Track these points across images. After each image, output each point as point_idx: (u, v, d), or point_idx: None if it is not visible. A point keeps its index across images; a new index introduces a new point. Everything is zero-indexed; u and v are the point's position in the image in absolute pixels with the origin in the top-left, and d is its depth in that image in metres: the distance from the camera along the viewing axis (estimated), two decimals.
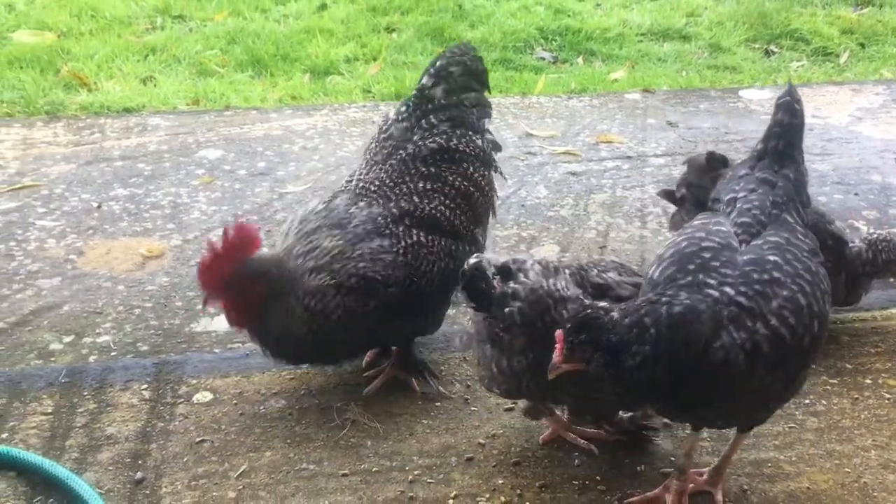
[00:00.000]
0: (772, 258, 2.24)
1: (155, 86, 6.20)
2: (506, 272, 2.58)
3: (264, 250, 2.97)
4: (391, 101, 6.16)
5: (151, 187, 4.79)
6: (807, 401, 3.07)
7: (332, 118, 5.77)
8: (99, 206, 4.57)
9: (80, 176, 4.86)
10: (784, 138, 2.52)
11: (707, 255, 2.27)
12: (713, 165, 3.39)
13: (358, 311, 2.83)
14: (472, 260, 2.60)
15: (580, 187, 4.91)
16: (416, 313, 3.00)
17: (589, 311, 2.21)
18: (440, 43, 7.27)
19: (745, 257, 2.26)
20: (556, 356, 2.23)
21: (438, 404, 3.04)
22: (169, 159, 5.12)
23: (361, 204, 2.99)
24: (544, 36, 7.41)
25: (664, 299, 2.17)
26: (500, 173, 3.44)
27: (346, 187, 3.13)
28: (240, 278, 2.74)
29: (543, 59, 7.15)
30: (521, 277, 2.55)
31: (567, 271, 2.60)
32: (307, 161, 5.20)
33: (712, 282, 2.19)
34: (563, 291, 2.52)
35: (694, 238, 2.35)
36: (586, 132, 5.61)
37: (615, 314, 2.18)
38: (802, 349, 2.23)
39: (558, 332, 2.22)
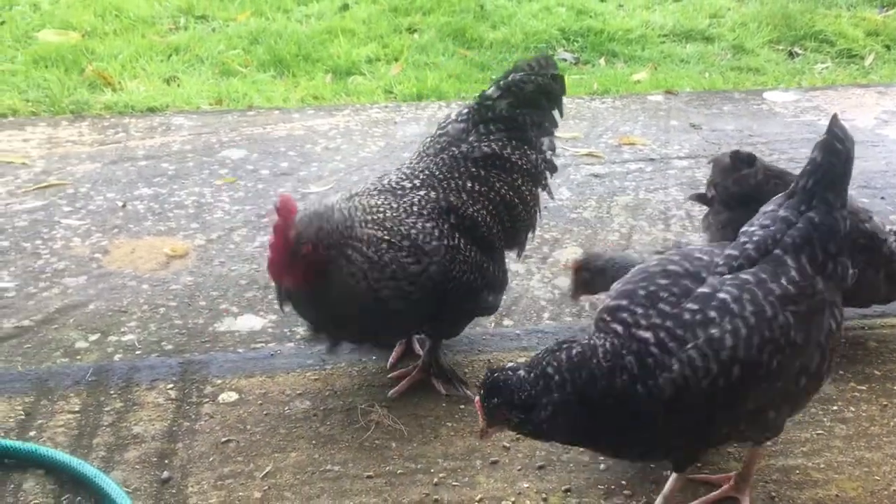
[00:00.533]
0: (722, 295, 2.18)
1: (178, 85, 6.23)
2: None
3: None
4: (413, 102, 6.18)
5: (175, 187, 4.81)
6: (835, 407, 3.04)
7: (354, 118, 5.78)
8: (124, 206, 4.59)
9: (104, 175, 4.89)
10: (815, 177, 2.35)
11: (664, 281, 2.25)
12: (737, 165, 3.37)
13: (410, 270, 2.80)
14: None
15: (603, 189, 4.89)
16: (435, 313, 2.98)
17: (496, 374, 2.23)
18: (462, 44, 7.27)
19: (699, 290, 2.21)
20: (480, 422, 2.28)
21: (463, 407, 3.03)
22: (192, 159, 5.14)
23: (417, 182, 3.00)
24: (566, 37, 7.39)
25: (564, 346, 2.21)
26: (549, 193, 3.45)
27: (395, 171, 3.14)
28: (296, 245, 2.69)
29: (565, 60, 7.12)
30: None
31: None
32: (329, 161, 5.21)
33: (639, 320, 2.20)
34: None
35: (665, 261, 2.35)
36: (609, 134, 5.58)
37: (521, 371, 2.21)
38: (726, 389, 2.15)
39: (476, 399, 2.26)
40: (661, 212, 4.62)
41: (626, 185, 4.94)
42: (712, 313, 2.14)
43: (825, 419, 2.98)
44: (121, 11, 7.36)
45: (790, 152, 5.23)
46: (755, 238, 2.32)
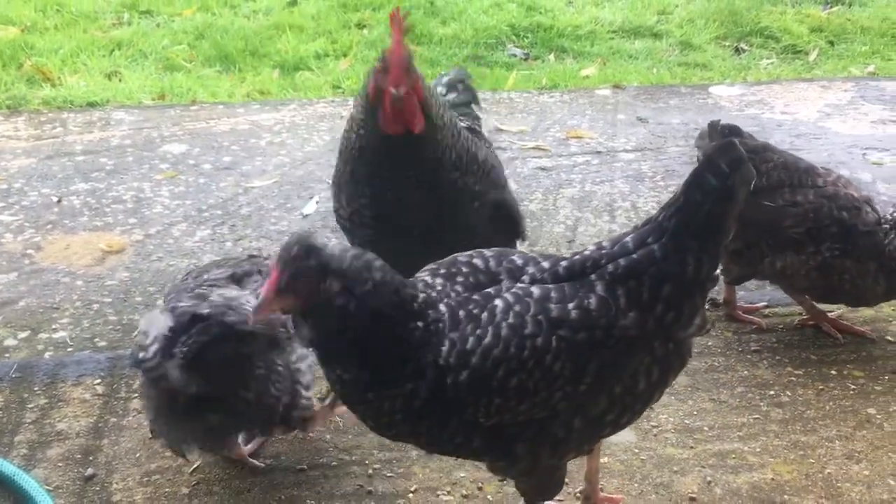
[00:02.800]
0: (497, 301, 1.99)
1: (120, 80, 6.11)
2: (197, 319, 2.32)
3: None
4: None
5: (113, 182, 4.70)
6: (771, 392, 3.05)
7: (300, 113, 5.70)
8: (59, 201, 4.47)
9: (40, 170, 4.76)
10: (674, 213, 2.06)
11: (465, 269, 2.09)
12: (713, 136, 3.32)
13: None
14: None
15: (549, 182, 4.88)
16: None
17: (306, 237, 1.95)
18: (411, 39, 7.21)
19: (487, 290, 2.05)
20: (267, 292, 1.91)
21: None
22: (132, 154, 5.03)
23: None
24: (516, 33, 7.39)
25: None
26: None
27: None
28: None
29: (515, 55, 7.12)
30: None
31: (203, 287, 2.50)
32: (274, 156, 5.13)
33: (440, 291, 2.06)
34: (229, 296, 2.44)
35: (478, 254, 2.16)
36: (556, 127, 5.58)
37: (347, 251, 1.96)
38: (456, 390, 1.96)
39: (272, 262, 1.94)
40: (606, 204, 4.62)
41: (572, 178, 4.93)
42: (484, 315, 1.98)
43: (762, 404, 2.99)
44: (62, 6, 7.20)
45: None
46: (577, 257, 2.10)
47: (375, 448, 2.75)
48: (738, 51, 7.17)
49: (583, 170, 5.02)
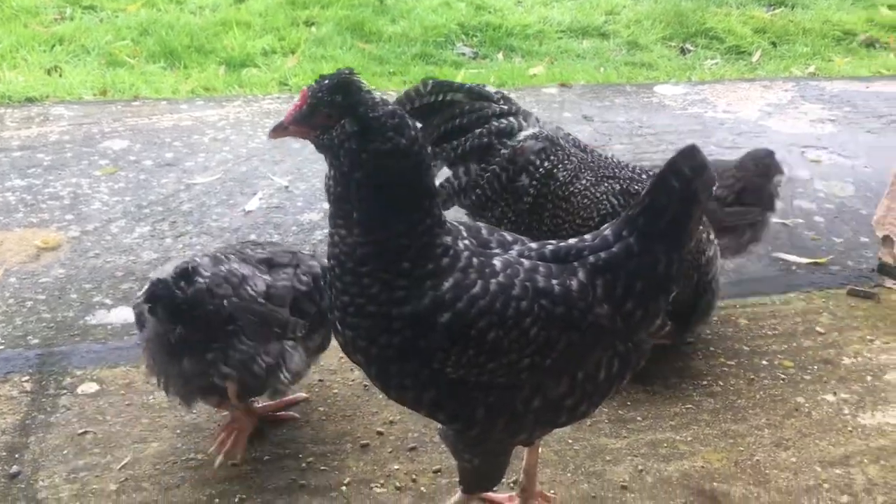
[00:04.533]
0: (496, 261, 2.01)
1: (61, 76, 5.99)
2: (185, 275, 2.47)
3: None
4: None
5: (51, 178, 4.61)
6: (704, 382, 3.09)
7: (245, 109, 5.65)
8: None
9: None
10: (642, 211, 2.08)
11: (470, 231, 2.10)
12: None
13: None
14: (151, 284, 2.47)
15: None
16: None
17: (349, 74, 1.91)
18: (360, 37, 7.21)
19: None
20: (288, 114, 1.92)
21: (336, 391, 2.96)
22: (71, 149, 4.93)
23: None
24: (465, 32, 7.41)
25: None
26: None
27: None
28: None
29: (464, 54, 7.14)
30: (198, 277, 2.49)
31: (232, 255, 2.65)
32: (217, 152, 5.07)
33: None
34: (241, 272, 2.56)
35: (472, 222, 2.21)
36: None
37: (388, 104, 1.93)
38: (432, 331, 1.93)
39: (304, 89, 1.93)
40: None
41: None
42: (486, 270, 1.98)
43: (694, 394, 3.03)
44: (3, 0, 7.04)
45: (677, 143, 5.30)
46: (562, 244, 2.13)
47: (310, 442, 2.73)
48: (683, 51, 7.28)
49: None
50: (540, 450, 2.70)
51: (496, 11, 7.71)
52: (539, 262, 2.07)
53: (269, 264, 2.67)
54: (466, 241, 2.05)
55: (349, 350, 2.07)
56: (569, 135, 3.18)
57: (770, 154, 3.43)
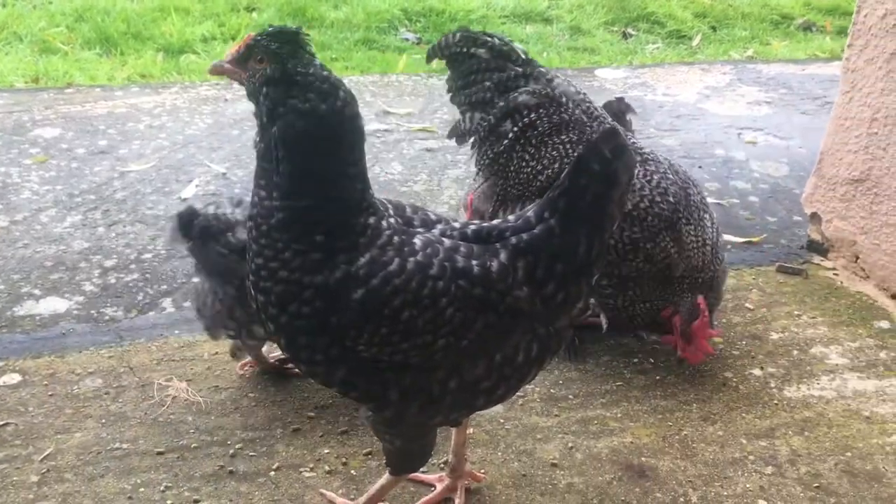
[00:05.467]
0: (416, 240, 2.00)
1: None
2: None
3: None
4: None
5: None
6: (635, 360, 3.12)
7: (182, 96, 5.56)
8: None
9: None
10: (563, 197, 2.07)
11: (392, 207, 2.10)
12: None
13: None
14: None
15: (435, 163, 4.89)
16: None
17: (293, 28, 1.91)
18: (302, 22, 7.13)
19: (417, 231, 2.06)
20: (228, 53, 1.95)
21: (267, 377, 2.93)
22: (0, 138, 4.80)
23: None
24: (409, 17, 7.39)
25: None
26: None
27: None
28: None
29: (407, 39, 7.11)
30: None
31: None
32: (153, 139, 4.98)
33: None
34: (232, 217, 2.63)
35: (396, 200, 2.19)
36: (444, 109, 5.58)
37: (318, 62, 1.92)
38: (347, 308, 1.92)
39: (249, 33, 1.94)
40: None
41: (458, 159, 4.94)
42: (405, 248, 1.97)
43: (626, 371, 3.06)
44: None
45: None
46: (485, 224, 2.12)
47: (239, 428, 2.70)
48: (625, 35, 7.34)
49: (469, 150, 5.02)
50: (471, 430, 2.72)
51: None
52: (460, 243, 2.06)
53: None
54: (392, 220, 2.03)
55: (261, 317, 2.03)
56: (585, 100, 3.24)
57: (620, 100, 3.47)
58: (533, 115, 3.15)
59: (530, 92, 3.19)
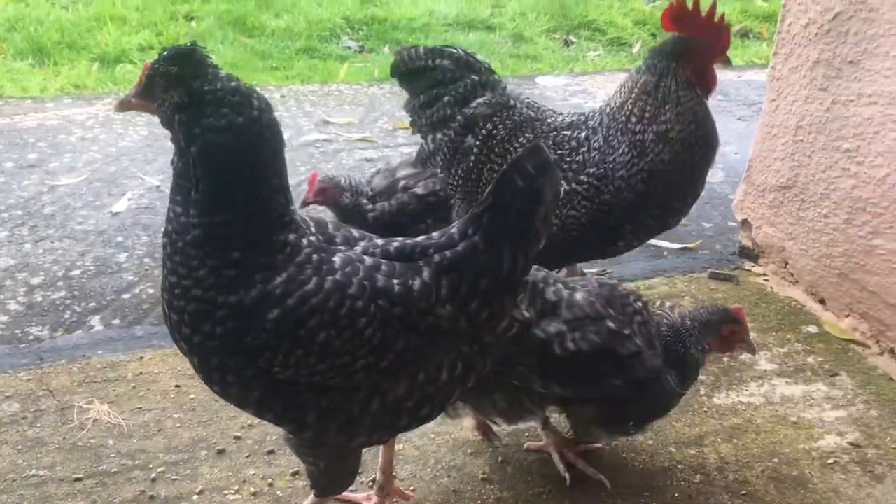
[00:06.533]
0: (336, 257, 1.95)
1: None
2: None
3: None
4: None
5: None
6: None
7: None
8: None
9: None
10: (488, 213, 2.04)
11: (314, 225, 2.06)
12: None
13: None
14: None
15: None
16: None
17: (193, 47, 1.85)
18: (242, 31, 7.06)
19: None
20: (133, 87, 1.89)
21: (192, 397, 2.87)
22: None
23: None
24: (351, 25, 7.35)
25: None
26: None
27: None
28: None
29: (350, 48, 7.07)
30: None
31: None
32: (85, 152, 4.87)
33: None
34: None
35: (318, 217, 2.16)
36: (384, 119, 5.56)
37: (233, 81, 1.87)
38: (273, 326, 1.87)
39: (147, 62, 1.88)
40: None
41: None
42: (323, 266, 1.93)
43: None
44: None
45: None
46: (408, 241, 2.09)
47: (161, 451, 2.63)
48: (567, 43, 7.39)
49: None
50: (401, 445, 2.69)
51: (382, 4, 7.68)
52: (382, 261, 2.02)
53: (553, 309, 2.43)
54: (312, 238, 1.99)
55: (175, 336, 1.98)
56: (531, 101, 3.33)
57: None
58: (490, 125, 3.18)
59: (485, 103, 3.22)
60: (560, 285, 2.46)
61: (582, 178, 3.02)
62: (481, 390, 2.36)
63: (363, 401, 2.02)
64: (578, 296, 2.43)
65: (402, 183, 3.59)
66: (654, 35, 7.61)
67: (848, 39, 3.16)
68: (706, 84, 2.99)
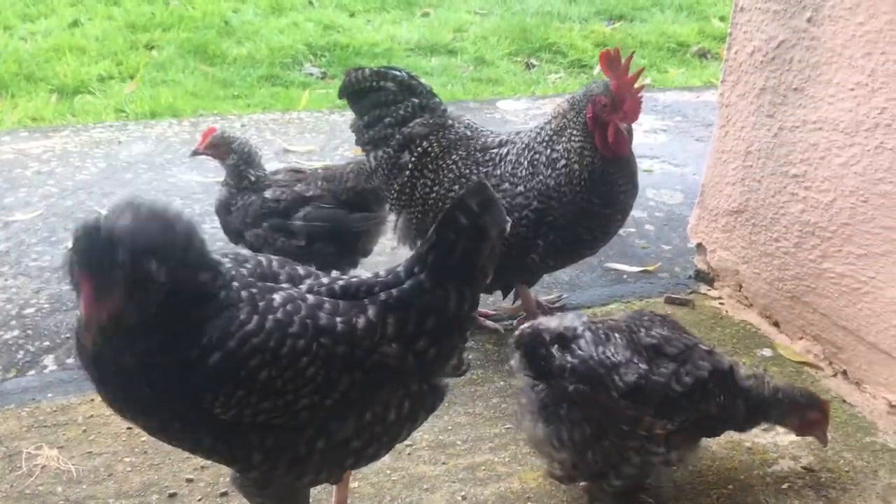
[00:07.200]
0: (275, 295, 1.95)
1: None
2: (562, 341, 2.45)
3: None
4: (143, 121, 5.87)
5: None
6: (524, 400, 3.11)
7: (73, 139, 5.40)
8: None
9: None
10: (433, 251, 2.04)
11: (252, 261, 2.06)
12: None
13: None
14: (528, 327, 2.47)
15: None
16: None
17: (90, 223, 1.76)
18: (204, 60, 7.04)
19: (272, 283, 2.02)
20: (87, 299, 1.71)
21: (144, 440, 2.83)
22: None
23: None
24: (313, 52, 7.36)
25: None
26: None
27: None
28: None
29: (312, 74, 7.08)
30: (574, 348, 2.43)
31: (618, 336, 2.48)
32: (41, 186, 4.82)
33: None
34: (614, 359, 2.41)
35: (265, 257, 2.13)
36: (345, 146, 5.56)
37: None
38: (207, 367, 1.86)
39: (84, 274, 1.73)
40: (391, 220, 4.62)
41: None
42: (260, 303, 1.92)
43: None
44: None
45: None
46: (354, 279, 2.10)
47: (112, 496, 2.59)
48: (528, 66, 7.44)
49: None
50: (356, 483, 2.67)
51: (344, 31, 7.70)
52: (325, 299, 2.02)
53: (656, 351, 2.47)
54: (242, 271, 1.98)
55: (100, 390, 1.96)
56: (469, 122, 3.49)
57: None
58: (425, 143, 3.36)
59: (423, 123, 3.39)
60: (642, 329, 2.52)
61: (498, 194, 3.10)
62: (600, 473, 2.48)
63: (310, 440, 2.01)
64: (664, 331, 2.52)
65: (267, 182, 3.68)
66: None
67: (792, 67, 3.21)
68: (600, 134, 3.07)
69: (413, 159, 3.37)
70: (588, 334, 2.46)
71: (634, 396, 2.36)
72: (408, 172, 3.39)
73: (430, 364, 2.10)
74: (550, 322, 2.52)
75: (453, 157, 3.34)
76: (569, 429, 2.44)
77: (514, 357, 2.53)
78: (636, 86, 3.04)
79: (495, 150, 3.30)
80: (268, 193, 3.62)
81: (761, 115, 3.39)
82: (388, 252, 4.17)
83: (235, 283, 1.94)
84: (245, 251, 2.09)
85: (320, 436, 2.02)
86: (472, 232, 2.02)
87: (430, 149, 3.37)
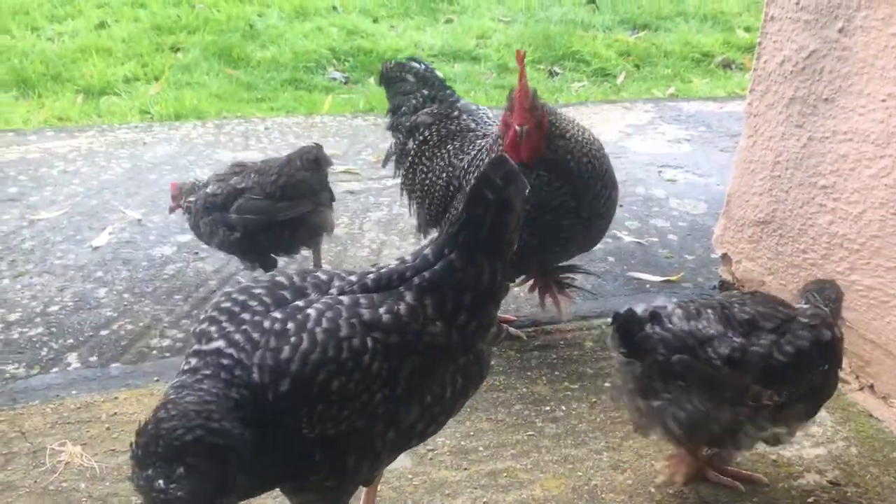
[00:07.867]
0: (310, 310, 1.96)
1: None
2: (655, 317, 2.51)
3: None
4: (168, 122, 5.91)
5: None
6: (547, 408, 3.10)
7: (99, 140, 5.44)
8: None
9: None
10: (461, 226, 2.09)
11: (259, 290, 2.05)
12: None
13: None
14: (625, 308, 2.53)
15: (357, 205, 4.85)
16: None
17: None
18: (228, 63, 7.08)
19: (294, 304, 2.01)
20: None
21: None
22: None
23: None
24: (337, 56, 7.38)
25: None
26: None
27: None
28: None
29: (335, 79, 7.10)
30: (666, 322, 2.50)
31: (710, 311, 2.54)
32: (66, 185, 4.86)
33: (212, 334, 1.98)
34: (706, 332, 2.47)
35: (280, 272, 2.15)
36: (368, 151, 5.57)
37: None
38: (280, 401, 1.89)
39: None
40: (413, 227, 4.61)
41: (380, 201, 4.92)
42: (290, 325, 1.94)
43: (537, 420, 3.03)
44: None
45: None
46: (383, 270, 2.12)
47: (134, 495, 2.59)
48: (551, 74, 7.43)
49: (392, 193, 5.01)
50: (379, 487, 2.66)
51: (368, 36, 7.71)
52: (360, 295, 2.05)
53: (752, 325, 2.53)
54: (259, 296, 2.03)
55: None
56: (480, 116, 3.57)
57: (317, 148, 3.75)
58: (427, 132, 3.53)
59: (428, 112, 3.56)
60: (736, 306, 2.58)
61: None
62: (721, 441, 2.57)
63: (382, 432, 2.06)
64: (760, 308, 2.57)
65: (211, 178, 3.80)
66: (637, 66, 7.69)
67: (822, 77, 3.19)
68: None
69: (414, 147, 3.54)
70: (679, 311, 2.53)
71: (734, 365, 2.42)
72: (410, 158, 3.57)
73: (472, 337, 2.15)
74: (641, 303, 2.60)
75: (448, 146, 3.46)
76: (681, 401, 2.49)
77: (609, 337, 2.58)
78: (520, 84, 2.99)
79: (481, 142, 3.36)
80: (209, 188, 3.71)
81: (790, 126, 3.36)
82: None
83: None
84: (254, 283, 2.06)
85: (390, 427, 2.06)
86: (499, 205, 2.08)
87: (429, 137, 3.51)
